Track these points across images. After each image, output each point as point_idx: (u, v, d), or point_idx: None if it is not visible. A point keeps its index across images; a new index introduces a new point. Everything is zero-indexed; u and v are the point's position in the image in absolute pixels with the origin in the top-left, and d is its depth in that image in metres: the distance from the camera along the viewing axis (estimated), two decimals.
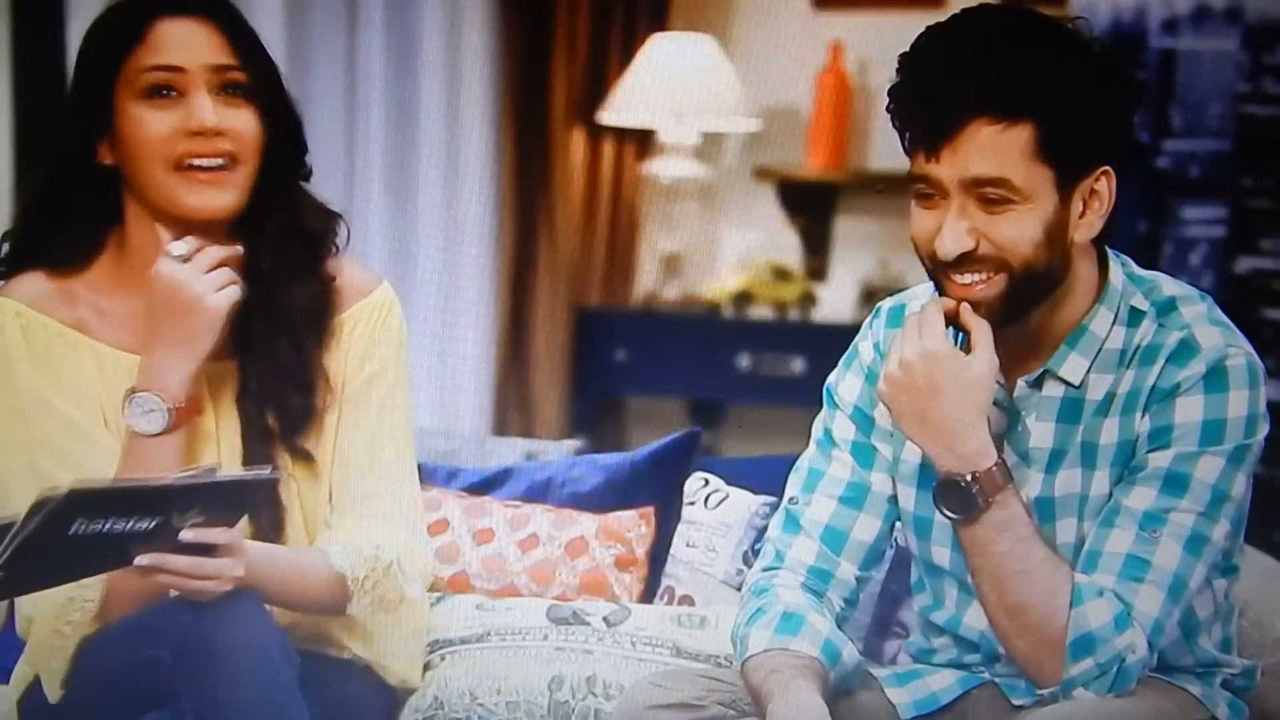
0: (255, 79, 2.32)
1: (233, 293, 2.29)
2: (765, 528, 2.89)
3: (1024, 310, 2.22)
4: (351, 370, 2.40)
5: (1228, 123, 4.76)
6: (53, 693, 2.31)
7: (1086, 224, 2.20)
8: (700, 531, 2.95)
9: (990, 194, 2.16)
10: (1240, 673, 2.33)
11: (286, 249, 2.37)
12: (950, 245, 2.18)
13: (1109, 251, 2.27)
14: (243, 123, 2.30)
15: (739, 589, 2.86)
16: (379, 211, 5.05)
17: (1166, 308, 2.24)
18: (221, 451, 2.36)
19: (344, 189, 5.00)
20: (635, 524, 2.97)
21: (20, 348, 2.31)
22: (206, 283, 2.27)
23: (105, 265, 2.35)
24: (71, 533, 2.03)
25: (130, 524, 2.06)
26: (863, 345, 2.38)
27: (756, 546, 2.88)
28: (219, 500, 2.15)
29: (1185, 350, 2.20)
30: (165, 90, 2.28)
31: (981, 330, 2.21)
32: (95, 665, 2.26)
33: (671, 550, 2.96)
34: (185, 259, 2.27)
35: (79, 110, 2.30)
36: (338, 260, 2.42)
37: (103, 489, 2.07)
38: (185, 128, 2.28)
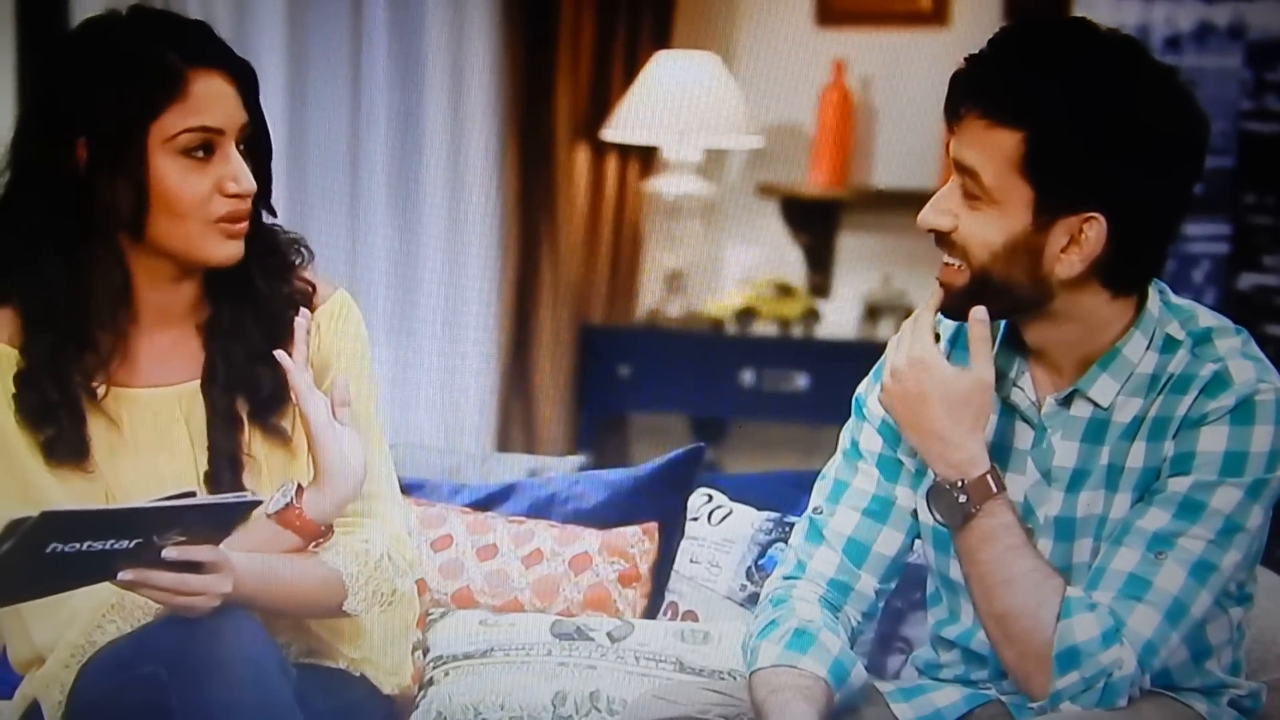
0: (258, 133, 2.36)
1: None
2: (768, 543, 2.90)
3: (989, 314, 2.24)
4: (318, 373, 2.42)
5: (1230, 139, 4.77)
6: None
7: (1066, 262, 2.19)
8: (704, 547, 2.95)
9: (969, 185, 2.19)
10: (1247, 694, 2.33)
11: (267, 262, 2.41)
12: (925, 214, 2.22)
13: None
14: (252, 176, 2.34)
15: (742, 604, 2.86)
16: (382, 228, 5.06)
17: (1202, 339, 2.23)
18: (195, 444, 2.38)
19: (348, 206, 5.01)
20: (639, 540, 2.97)
21: None
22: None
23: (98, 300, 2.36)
24: (49, 552, 2.05)
25: (108, 544, 2.09)
26: None
27: (760, 562, 2.88)
28: (199, 521, 2.16)
29: (1218, 383, 2.19)
30: (201, 149, 2.30)
31: (980, 343, 2.23)
32: (92, 687, 2.26)
33: (675, 566, 2.96)
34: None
35: (99, 150, 2.29)
36: (303, 269, 2.46)
37: (74, 512, 2.10)
38: (222, 189, 2.31)
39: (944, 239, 2.22)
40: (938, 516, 2.24)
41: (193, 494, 2.17)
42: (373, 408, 2.47)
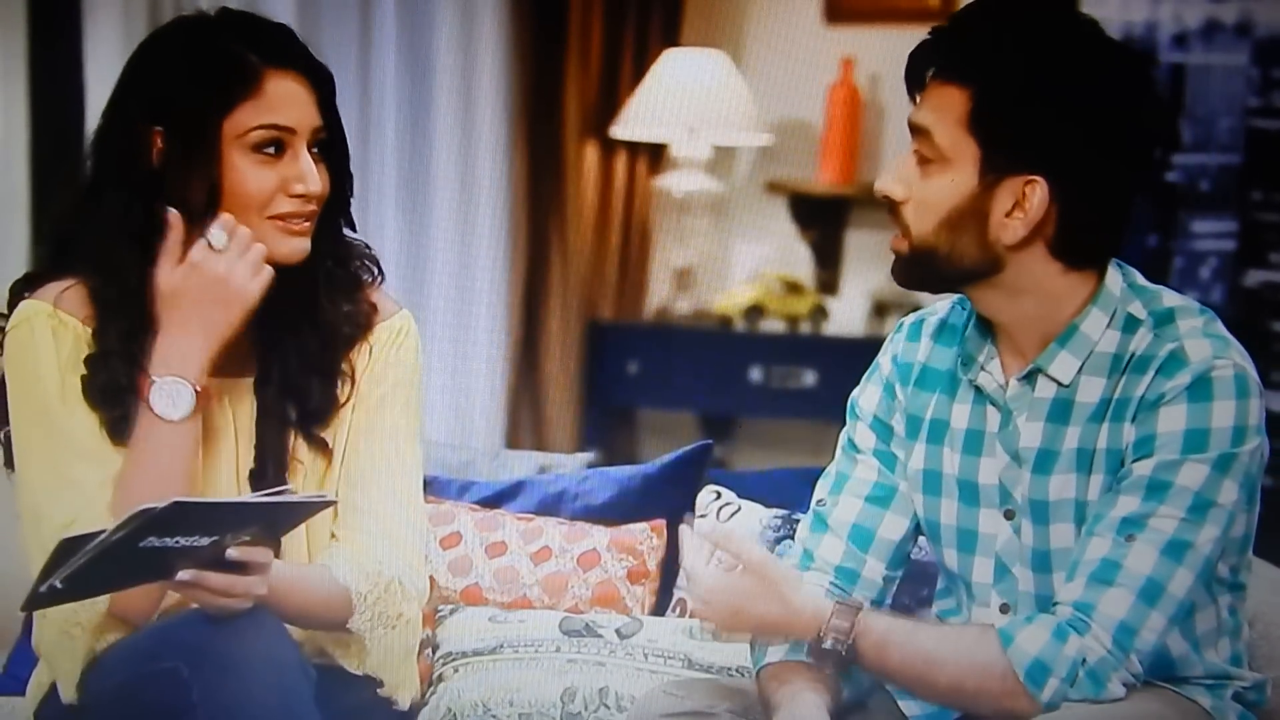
0: (333, 140, 2.39)
1: (266, 275, 2.31)
2: (777, 540, 2.91)
3: (930, 285, 2.28)
4: (366, 388, 2.43)
5: (1237, 137, 4.78)
6: (68, 693, 2.32)
7: (1011, 226, 2.20)
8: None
9: (923, 148, 2.22)
10: (1251, 686, 2.33)
11: (334, 274, 2.43)
12: (881, 180, 2.27)
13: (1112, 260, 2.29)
14: (323, 181, 2.37)
15: None
16: (392, 225, 5.07)
17: (1164, 319, 2.24)
18: (239, 440, 2.39)
19: (358, 202, 4.99)
20: (647, 536, 2.98)
21: (49, 348, 2.34)
22: (244, 270, 2.30)
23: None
24: (141, 546, 2.03)
25: (193, 540, 2.07)
26: (883, 359, 2.42)
27: None
28: (275, 520, 2.16)
29: (1174, 362, 2.20)
30: (271, 146, 2.32)
31: (733, 543, 2.26)
32: (110, 678, 2.26)
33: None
34: (223, 249, 2.30)
35: (174, 141, 2.31)
36: (372, 288, 2.48)
37: (204, 504, 2.10)
38: (288, 189, 2.33)
39: (893, 208, 2.26)
40: (833, 670, 2.25)
41: (290, 490, 2.18)
42: (415, 437, 2.48)
